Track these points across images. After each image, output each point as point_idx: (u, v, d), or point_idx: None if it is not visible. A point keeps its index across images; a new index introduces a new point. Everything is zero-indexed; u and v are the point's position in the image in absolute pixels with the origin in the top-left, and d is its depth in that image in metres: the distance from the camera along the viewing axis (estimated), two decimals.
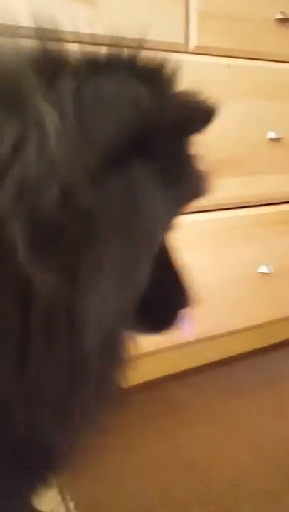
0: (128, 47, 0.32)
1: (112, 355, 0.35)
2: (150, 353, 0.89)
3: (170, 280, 0.39)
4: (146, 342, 0.97)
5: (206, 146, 0.98)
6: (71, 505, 0.63)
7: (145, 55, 0.32)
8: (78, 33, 0.35)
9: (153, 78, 0.31)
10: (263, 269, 0.98)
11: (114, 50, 0.31)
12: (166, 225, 0.34)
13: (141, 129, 0.27)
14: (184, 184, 0.33)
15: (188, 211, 0.99)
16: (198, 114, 0.34)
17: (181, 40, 0.77)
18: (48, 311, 0.26)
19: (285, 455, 0.74)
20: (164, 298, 0.38)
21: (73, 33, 0.35)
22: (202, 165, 0.36)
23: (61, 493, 0.64)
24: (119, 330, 0.35)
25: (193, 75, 0.79)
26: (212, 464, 0.72)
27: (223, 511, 0.63)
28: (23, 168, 0.24)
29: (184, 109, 0.32)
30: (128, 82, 0.28)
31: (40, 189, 0.23)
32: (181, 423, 0.83)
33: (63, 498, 0.63)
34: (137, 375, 1.01)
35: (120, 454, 0.74)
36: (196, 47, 0.79)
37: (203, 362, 1.06)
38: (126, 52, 0.31)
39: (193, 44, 0.79)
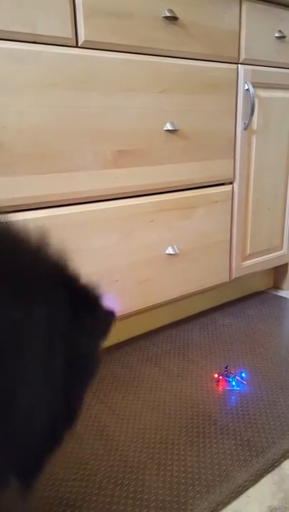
0: None
1: None
2: None
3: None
4: None
5: (105, 139, 1.05)
6: None
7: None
8: None
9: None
10: (170, 250, 1.07)
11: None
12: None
13: None
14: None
15: (94, 200, 1.04)
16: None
17: (69, 34, 0.80)
18: None
19: (183, 410, 0.85)
20: None
21: None
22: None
23: None
24: None
25: (83, 69, 0.84)
26: (118, 427, 0.82)
27: (124, 464, 0.73)
28: None
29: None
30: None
31: None
32: (94, 394, 0.92)
33: None
34: None
35: None
36: (85, 41, 0.83)
37: (122, 339, 1.15)
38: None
39: (81, 39, 0.82)
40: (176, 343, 1.13)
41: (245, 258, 1.28)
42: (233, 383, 0.92)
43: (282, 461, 0.74)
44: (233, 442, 0.77)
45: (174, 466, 0.72)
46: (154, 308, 1.13)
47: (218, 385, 0.92)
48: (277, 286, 1.50)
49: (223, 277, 1.23)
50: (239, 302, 1.37)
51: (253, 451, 0.75)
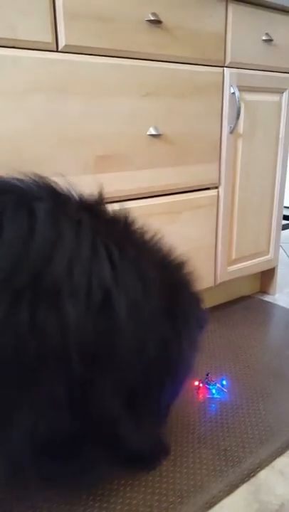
0: None
1: None
2: None
3: None
4: None
5: (86, 144, 1.03)
6: None
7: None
8: None
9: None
10: None
11: None
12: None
13: None
14: None
15: None
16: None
17: (49, 39, 0.79)
18: None
19: None
20: None
21: None
22: None
23: None
24: None
25: (63, 74, 0.83)
26: None
27: None
28: None
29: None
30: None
31: None
32: None
33: None
34: None
35: None
36: (66, 46, 0.81)
37: None
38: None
39: (62, 43, 0.81)
40: None
41: (231, 263, 1.28)
42: (214, 391, 0.92)
43: (259, 471, 0.74)
44: (210, 452, 0.76)
45: (149, 475, 0.72)
46: None
47: (198, 393, 0.92)
48: (263, 290, 1.50)
49: (208, 282, 1.22)
50: (224, 307, 1.37)
51: (230, 461, 0.74)
